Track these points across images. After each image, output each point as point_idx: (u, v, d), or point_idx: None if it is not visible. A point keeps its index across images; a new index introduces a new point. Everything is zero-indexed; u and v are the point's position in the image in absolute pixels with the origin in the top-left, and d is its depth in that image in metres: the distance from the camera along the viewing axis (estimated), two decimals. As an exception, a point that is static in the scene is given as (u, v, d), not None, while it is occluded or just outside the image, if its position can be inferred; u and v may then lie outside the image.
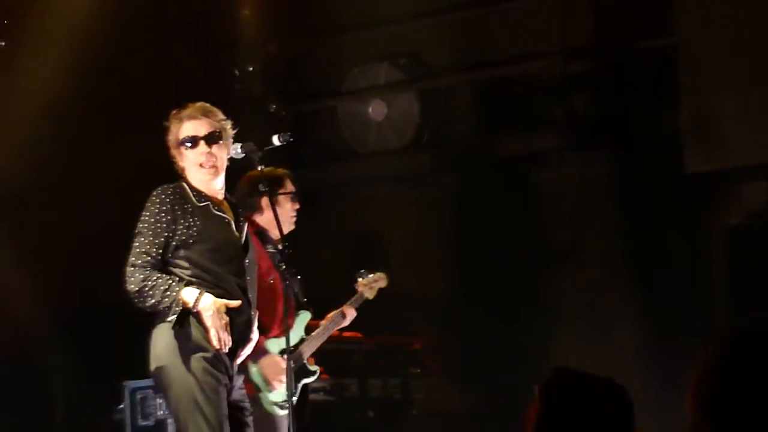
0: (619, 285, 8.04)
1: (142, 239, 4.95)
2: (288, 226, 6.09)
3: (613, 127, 8.16)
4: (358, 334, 7.67)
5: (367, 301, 6.50)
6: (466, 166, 8.83)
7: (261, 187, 5.53)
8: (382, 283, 6.57)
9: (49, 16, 7.80)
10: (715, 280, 7.78)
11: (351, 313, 6.38)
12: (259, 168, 5.46)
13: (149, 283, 4.88)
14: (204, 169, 5.03)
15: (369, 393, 8.34)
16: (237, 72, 9.05)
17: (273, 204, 5.57)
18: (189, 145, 5.04)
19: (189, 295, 4.88)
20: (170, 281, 4.88)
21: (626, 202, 8.14)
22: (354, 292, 6.46)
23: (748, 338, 2.29)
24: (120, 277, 5.00)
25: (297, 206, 6.18)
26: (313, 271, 6.19)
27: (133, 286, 4.90)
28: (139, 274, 4.89)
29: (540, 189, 8.43)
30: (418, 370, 8.63)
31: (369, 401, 8.32)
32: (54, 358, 8.44)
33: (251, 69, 9.13)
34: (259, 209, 6.01)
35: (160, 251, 4.94)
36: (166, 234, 4.94)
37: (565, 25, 8.37)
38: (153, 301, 4.87)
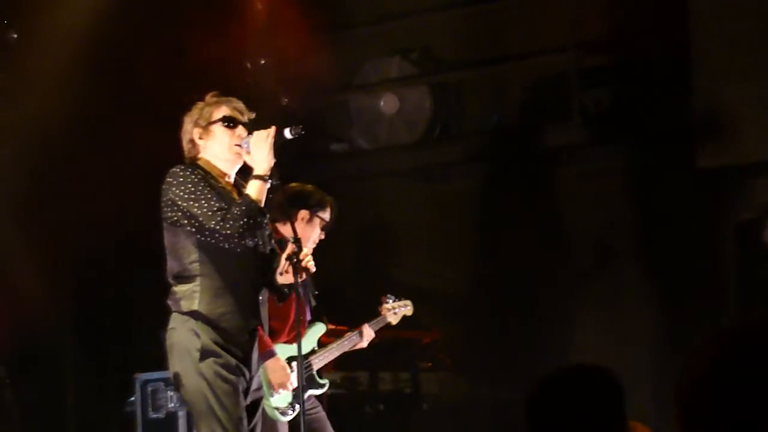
0: (631, 279, 8.03)
1: (203, 201, 4.85)
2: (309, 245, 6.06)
3: (626, 122, 8.15)
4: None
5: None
6: (478, 161, 8.82)
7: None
8: (408, 311, 6.60)
9: (61, 7, 7.81)
10: (727, 274, 7.76)
11: (369, 335, 6.35)
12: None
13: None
14: (235, 150, 5.02)
15: (379, 386, 8.35)
16: (249, 65, 9.05)
17: (293, 220, 5.49)
18: (228, 124, 5.04)
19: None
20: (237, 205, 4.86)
21: (639, 198, 8.12)
22: (377, 314, 6.47)
23: (737, 342, 2.17)
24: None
25: (322, 236, 6.16)
26: (322, 267, 6.16)
27: (231, 230, 4.81)
28: (231, 219, 4.81)
29: (552, 184, 8.42)
30: (429, 364, 8.63)
31: (379, 395, 8.33)
32: (65, 351, 8.46)
33: (263, 62, 9.13)
34: (293, 220, 5.96)
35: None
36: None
37: (579, 19, 8.35)
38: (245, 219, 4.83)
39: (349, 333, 6.29)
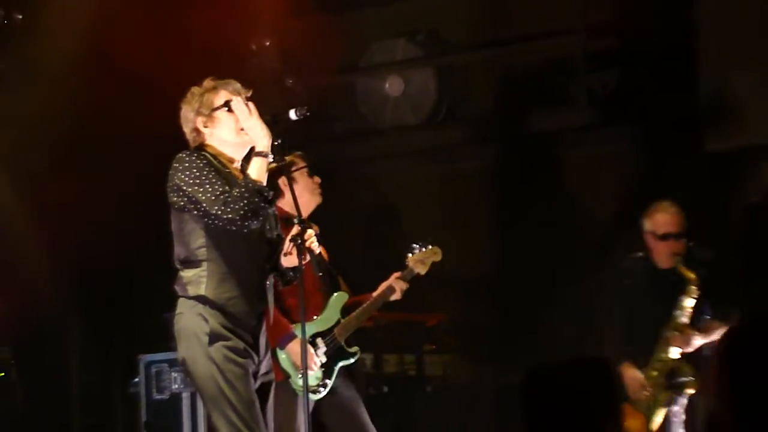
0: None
1: (207, 186, 4.81)
2: (315, 199, 6.03)
3: (632, 105, 8.13)
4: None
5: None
6: (483, 143, 8.81)
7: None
8: (436, 257, 6.31)
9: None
10: (736, 258, 7.73)
11: (401, 286, 6.14)
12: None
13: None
14: (241, 133, 5.00)
15: (384, 368, 8.36)
16: (254, 47, 9.03)
17: (291, 183, 5.46)
18: (231, 109, 5.01)
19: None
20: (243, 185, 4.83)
21: (646, 181, 8.10)
22: (404, 267, 6.22)
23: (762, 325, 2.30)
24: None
25: (317, 179, 6.10)
26: (327, 248, 6.15)
27: (232, 215, 4.77)
28: (232, 203, 4.80)
29: (558, 167, 8.40)
30: (434, 346, 8.64)
31: (384, 376, 8.34)
32: (70, 332, 8.48)
33: (268, 44, 9.11)
34: (281, 194, 5.82)
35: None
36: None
37: (586, 2, 8.33)
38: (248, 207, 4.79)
39: (380, 290, 6.12)
